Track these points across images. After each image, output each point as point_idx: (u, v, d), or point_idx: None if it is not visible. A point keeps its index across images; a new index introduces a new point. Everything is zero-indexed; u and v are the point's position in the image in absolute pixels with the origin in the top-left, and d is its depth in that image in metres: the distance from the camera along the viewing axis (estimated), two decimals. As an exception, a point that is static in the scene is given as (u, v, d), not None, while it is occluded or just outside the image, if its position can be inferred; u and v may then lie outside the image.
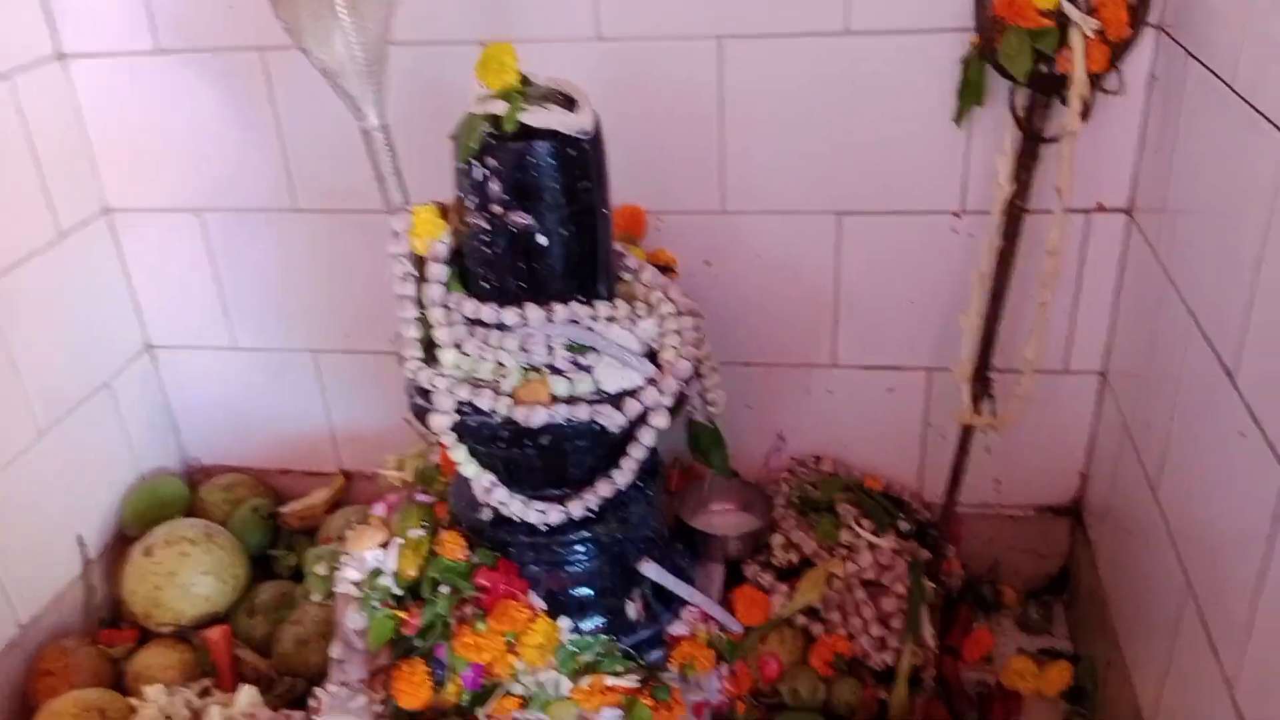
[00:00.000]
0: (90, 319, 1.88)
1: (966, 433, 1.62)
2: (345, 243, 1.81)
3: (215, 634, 1.76)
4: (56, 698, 1.63)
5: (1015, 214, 1.47)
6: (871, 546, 1.67)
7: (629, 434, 1.33)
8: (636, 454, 1.35)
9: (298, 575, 1.90)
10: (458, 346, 1.32)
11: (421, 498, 1.59)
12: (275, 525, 2.01)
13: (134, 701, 1.63)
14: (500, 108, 1.23)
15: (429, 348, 1.35)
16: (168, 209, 1.86)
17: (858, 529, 1.69)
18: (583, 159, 1.26)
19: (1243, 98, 1.11)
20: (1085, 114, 1.39)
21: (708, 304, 1.70)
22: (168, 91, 1.74)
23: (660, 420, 1.33)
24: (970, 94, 1.46)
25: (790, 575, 1.67)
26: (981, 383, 1.57)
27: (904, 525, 1.73)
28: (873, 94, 1.53)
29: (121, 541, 1.96)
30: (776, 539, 1.71)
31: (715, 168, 1.64)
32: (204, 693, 1.67)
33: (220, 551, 1.85)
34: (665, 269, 1.66)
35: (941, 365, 1.70)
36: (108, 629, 1.85)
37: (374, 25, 1.28)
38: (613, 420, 1.28)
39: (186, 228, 1.87)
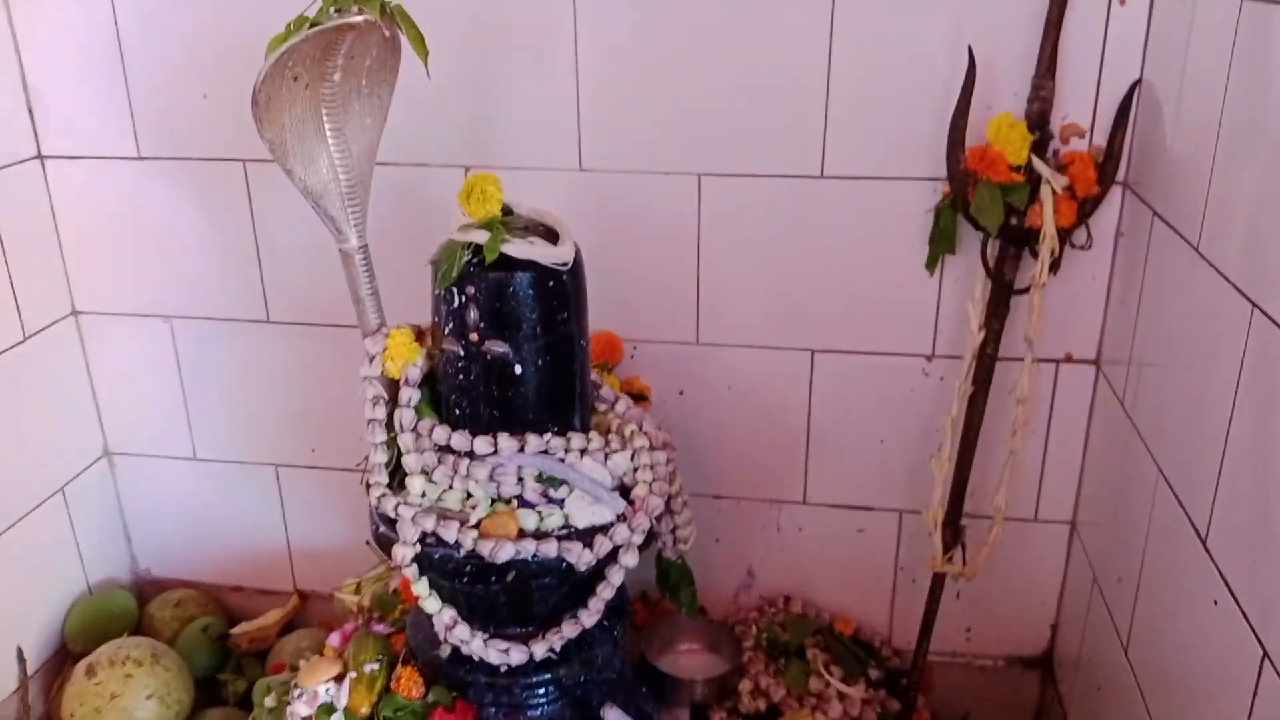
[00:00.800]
0: (50, 422, 1.84)
1: (937, 579, 1.60)
2: (316, 357, 1.80)
3: (153, 763, 1.67)
4: (-27, 831, 1.53)
5: (986, 361, 1.48)
6: (841, 696, 1.62)
7: (597, 572, 1.30)
8: (604, 594, 1.32)
9: (246, 701, 1.81)
10: (426, 474, 1.29)
11: (378, 628, 1.54)
12: (225, 647, 1.93)
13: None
14: (482, 237, 1.23)
15: (396, 473, 1.32)
16: (137, 314, 1.85)
17: (827, 676, 1.64)
18: (562, 290, 1.26)
19: (1206, 259, 1.14)
20: (1055, 267, 1.42)
21: (680, 434, 1.70)
22: (146, 196, 1.75)
23: (630, 559, 1.30)
24: (942, 242, 1.49)
25: (759, 722, 1.62)
26: (953, 529, 1.56)
27: (874, 673, 1.69)
28: (847, 236, 1.56)
29: (63, 656, 1.87)
30: (744, 684, 1.65)
31: (691, 299, 1.65)
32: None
33: (166, 674, 1.77)
34: (638, 397, 1.65)
35: (913, 508, 1.69)
36: (39, 753, 1.76)
37: (359, 149, 1.28)
38: (581, 558, 1.24)
39: (155, 334, 1.85)
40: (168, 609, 1.97)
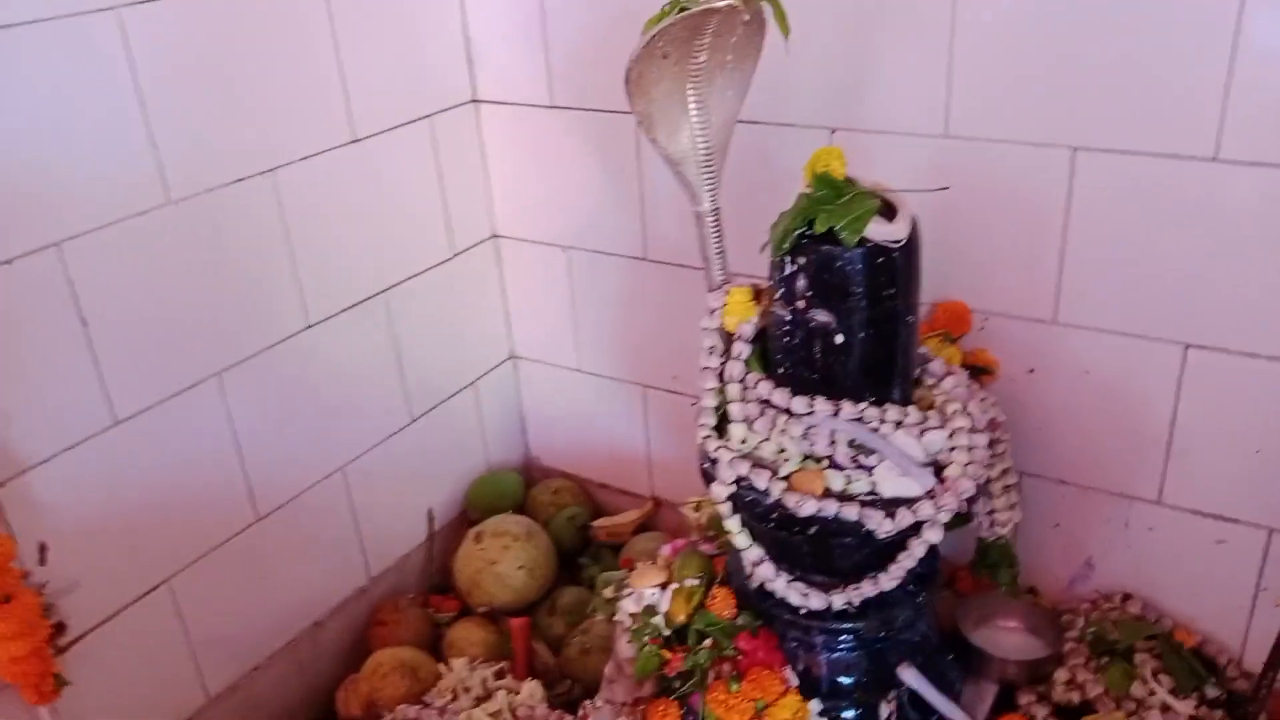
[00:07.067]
0: (470, 327, 2.18)
1: (1297, 611, 1.44)
2: (684, 296, 1.95)
3: (518, 623, 1.95)
4: (384, 648, 1.92)
5: (1394, 383, 1.29)
6: (1165, 708, 1.53)
7: (900, 541, 1.34)
8: (905, 562, 1.35)
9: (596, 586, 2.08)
10: (747, 423, 1.39)
11: (705, 548, 1.69)
12: (587, 535, 2.21)
13: (441, 667, 1.87)
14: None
15: (723, 418, 1.44)
16: (542, 242, 2.11)
17: (1154, 684, 1.55)
18: (890, 267, 1.28)
19: None
20: None
21: (1026, 413, 1.66)
22: (554, 140, 1.97)
23: (934, 535, 1.32)
24: (1357, 243, 1.30)
25: (1068, 715, 1.58)
26: (1323, 561, 1.39)
27: (1212, 691, 1.57)
28: (1235, 228, 1.40)
29: (462, 520, 2.25)
30: (1061, 674, 1.61)
31: (1053, 277, 1.58)
32: (499, 674, 1.86)
33: (536, 551, 2.07)
34: (984, 370, 1.63)
35: (1286, 527, 1.52)
36: (437, 595, 2.14)
37: (719, 120, 1.38)
38: (880, 527, 1.29)
39: (555, 261, 2.11)
40: (547, 494, 2.28)
